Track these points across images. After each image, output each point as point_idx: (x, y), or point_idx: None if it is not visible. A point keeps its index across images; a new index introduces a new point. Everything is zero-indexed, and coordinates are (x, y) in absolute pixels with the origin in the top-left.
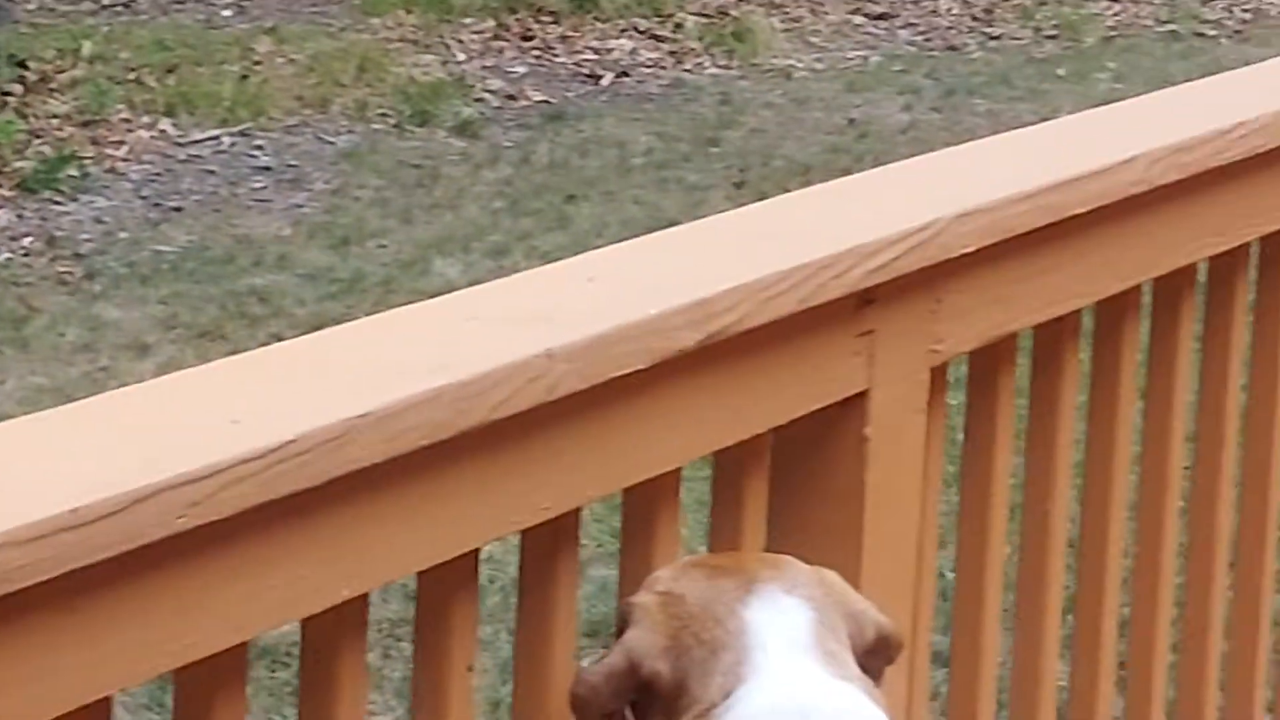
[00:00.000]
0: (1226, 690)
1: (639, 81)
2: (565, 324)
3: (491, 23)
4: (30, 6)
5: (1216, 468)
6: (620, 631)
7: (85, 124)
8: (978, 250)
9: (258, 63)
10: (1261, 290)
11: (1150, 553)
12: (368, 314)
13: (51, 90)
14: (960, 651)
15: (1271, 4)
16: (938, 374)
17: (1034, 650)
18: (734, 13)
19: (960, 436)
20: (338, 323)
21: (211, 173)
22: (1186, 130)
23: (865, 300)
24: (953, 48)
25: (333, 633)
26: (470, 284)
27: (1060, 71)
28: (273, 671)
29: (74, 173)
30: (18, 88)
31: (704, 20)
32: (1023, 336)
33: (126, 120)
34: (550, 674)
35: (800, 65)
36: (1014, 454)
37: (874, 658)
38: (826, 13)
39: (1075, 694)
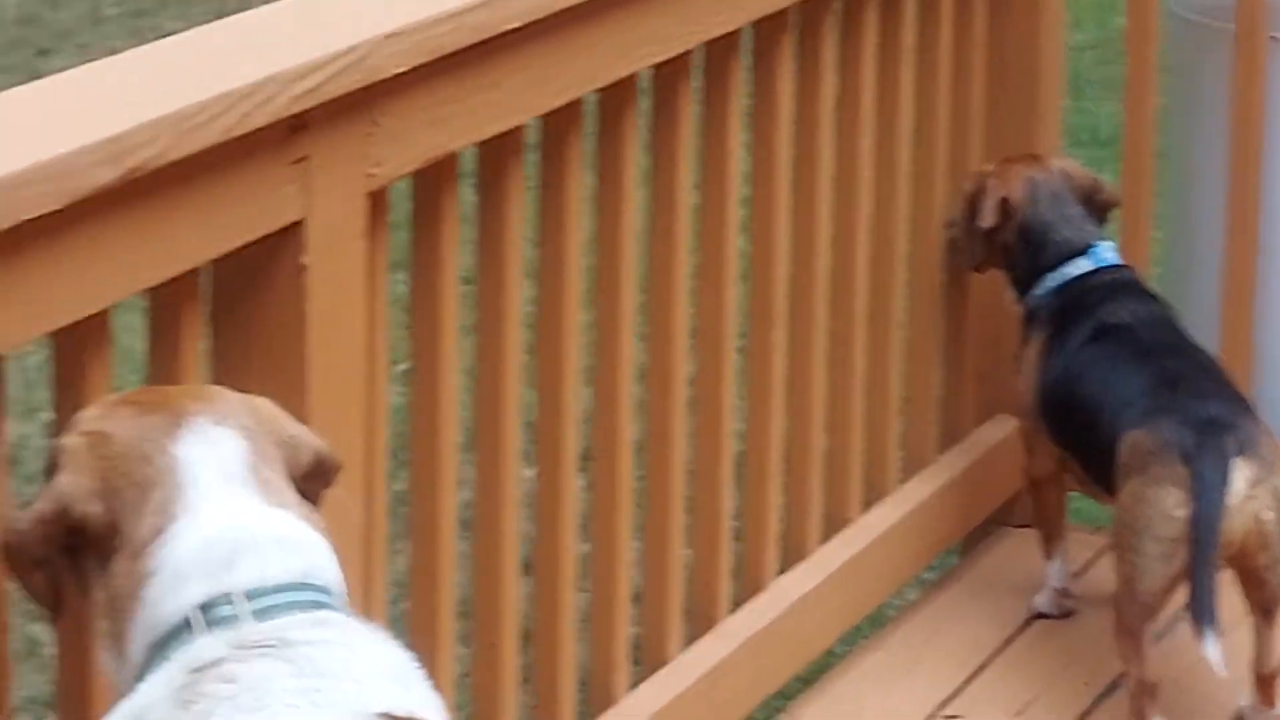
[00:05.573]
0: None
1: None
2: None
3: None
4: None
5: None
6: (50, 476)
7: None
8: (410, 71)
9: None
10: (709, 95)
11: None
12: None
13: None
14: (419, 474)
15: None
16: (377, 198)
17: (495, 468)
18: None
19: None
20: None
21: None
22: None
23: (296, 126)
24: None
25: None
26: None
27: None
28: None
29: None
30: None
31: None
32: (467, 157)
33: None
34: None
35: None
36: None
37: (312, 482)
38: None
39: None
